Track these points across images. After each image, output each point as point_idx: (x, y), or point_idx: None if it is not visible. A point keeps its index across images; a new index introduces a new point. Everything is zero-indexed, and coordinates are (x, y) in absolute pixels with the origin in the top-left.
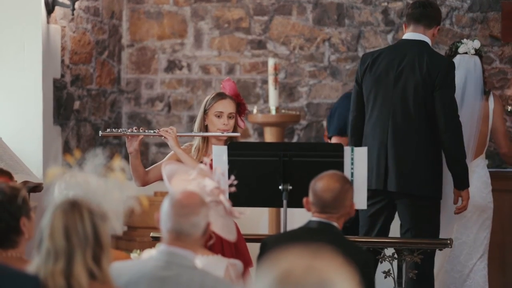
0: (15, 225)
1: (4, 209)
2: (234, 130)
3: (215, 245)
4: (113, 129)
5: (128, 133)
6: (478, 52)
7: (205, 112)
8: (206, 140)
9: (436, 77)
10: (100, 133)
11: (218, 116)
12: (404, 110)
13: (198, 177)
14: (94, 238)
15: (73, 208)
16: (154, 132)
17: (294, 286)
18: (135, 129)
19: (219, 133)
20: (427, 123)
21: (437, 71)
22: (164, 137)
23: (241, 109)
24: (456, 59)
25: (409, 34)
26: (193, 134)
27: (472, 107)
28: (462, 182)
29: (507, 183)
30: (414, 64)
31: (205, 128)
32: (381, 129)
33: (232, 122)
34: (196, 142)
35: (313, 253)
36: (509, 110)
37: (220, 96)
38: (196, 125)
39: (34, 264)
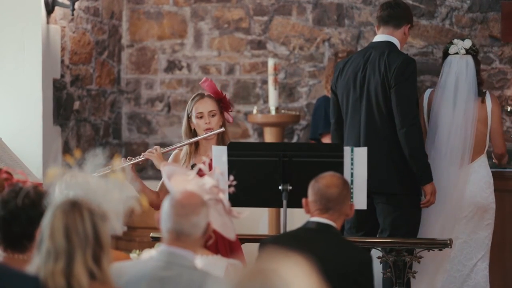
0: (31, 232)
1: (25, 213)
2: (223, 127)
3: (210, 245)
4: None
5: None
6: (470, 52)
7: (189, 116)
8: (194, 143)
9: (391, 75)
10: None
11: (200, 117)
12: (369, 112)
13: (196, 178)
14: (94, 238)
15: (73, 208)
16: (140, 157)
17: None
18: (122, 160)
19: (203, 136)
20: (390, 122)
21: (392, 69)
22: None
23: (224, 105)
24: (447, 61)
25: (378, 36)
26: (177, 145)
27: (465, 108)
28: (421, 178)
29: (507, 183)
30: (375, 65)
31: (192, 132)
32: (354, 133)
33: (214, 119)
34: (185, 147)
35: (273, 258)
36: (509, 110)
37: (198, 96)
38: (183, 131)
39: (34, 264)
